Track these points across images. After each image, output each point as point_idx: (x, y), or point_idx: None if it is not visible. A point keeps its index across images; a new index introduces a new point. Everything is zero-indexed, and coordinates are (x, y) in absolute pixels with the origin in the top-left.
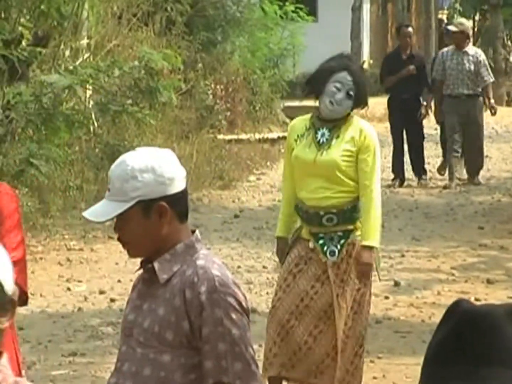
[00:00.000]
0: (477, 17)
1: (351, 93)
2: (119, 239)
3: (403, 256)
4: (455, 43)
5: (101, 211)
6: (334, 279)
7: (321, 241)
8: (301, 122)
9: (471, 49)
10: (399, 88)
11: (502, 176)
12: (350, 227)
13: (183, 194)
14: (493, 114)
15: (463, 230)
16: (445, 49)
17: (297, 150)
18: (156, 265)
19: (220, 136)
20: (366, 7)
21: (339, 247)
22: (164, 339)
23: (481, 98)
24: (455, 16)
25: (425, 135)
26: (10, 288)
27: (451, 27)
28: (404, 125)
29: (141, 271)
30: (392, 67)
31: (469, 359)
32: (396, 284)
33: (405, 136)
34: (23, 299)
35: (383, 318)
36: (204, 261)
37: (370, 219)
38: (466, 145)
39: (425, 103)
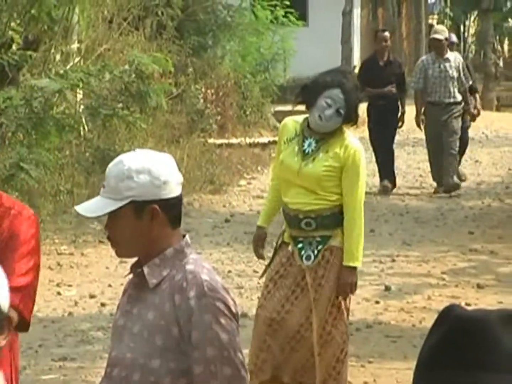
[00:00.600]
0: (467, 23)
1: (341, 111)
2: (108, 238)
3: (393, 260)
4: (439, 51)
5: (94, 207)
6: (312, 283)
7: (299, 245)
8: (293, 124)
9: (451, 54)
10: (377, 94)
11: (492, 181)
12: (328, 233)
13: (177, 200)
14: (473, 120)
15: (453, 235)
16: (424, 57)
17: (284, 155)
18: (145, 269)
19: (211, 140)
20: (356, 12)
21: (316, 252)
22: (154, 344)
23: (460, 106)
24: (445, 21)
25: (415, 140)
26: (5, 305)
27: (437, 35)
28: (382, 130)
29: (131, 275)
30: (369, 74)
31: (462, 364)
32: (387, 288)
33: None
34: (24, 325)
35: (373, 322)
36: (194, 266)
37: (352, 239)
38: (445, 153)
39: (404, 110)
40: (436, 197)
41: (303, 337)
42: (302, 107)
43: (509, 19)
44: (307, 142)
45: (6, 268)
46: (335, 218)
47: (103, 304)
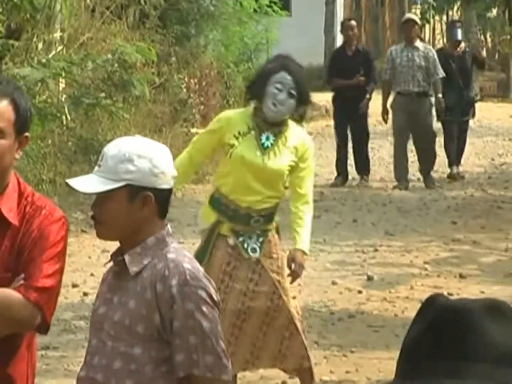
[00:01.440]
0: (450, 12)
1: (293, 92)
2: (93, 217)
3: (376, 250)
4: (408, 34)
5: (88, 184)
6: (271, 268)
7: (240, 238)
8: (240, 117)
9: (420, 44)
10: (344, 85)
11: (475, 171)
12: (270, 226)
13: (169, 192)
14: (440, 113)
15: (436, 225)
16: (393, 47)
17: (242, 150)
18: (126, 258)
19: (194, 130)
20: (339, 2)
21: (259, 244)
22: (135, 332)
23: (431, 97)
24: (428, 11)
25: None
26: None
27: (409, 15)
28: (349, 122)
29: (111, 264)
30: (337, 64)
31: (447, 354)
32: (369, 278)
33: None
34: (44, 327)
35: (356, 312)
36: (175, 255)
37: (306, 226)
38: (417, 145)
39: (369, 97)
40: (419, 187)
41: (273, 318)
42: None
43: (492, 9)
44: (264, 136)
45: (33, 267)
46: (276, 212)
47: (85, 294)
